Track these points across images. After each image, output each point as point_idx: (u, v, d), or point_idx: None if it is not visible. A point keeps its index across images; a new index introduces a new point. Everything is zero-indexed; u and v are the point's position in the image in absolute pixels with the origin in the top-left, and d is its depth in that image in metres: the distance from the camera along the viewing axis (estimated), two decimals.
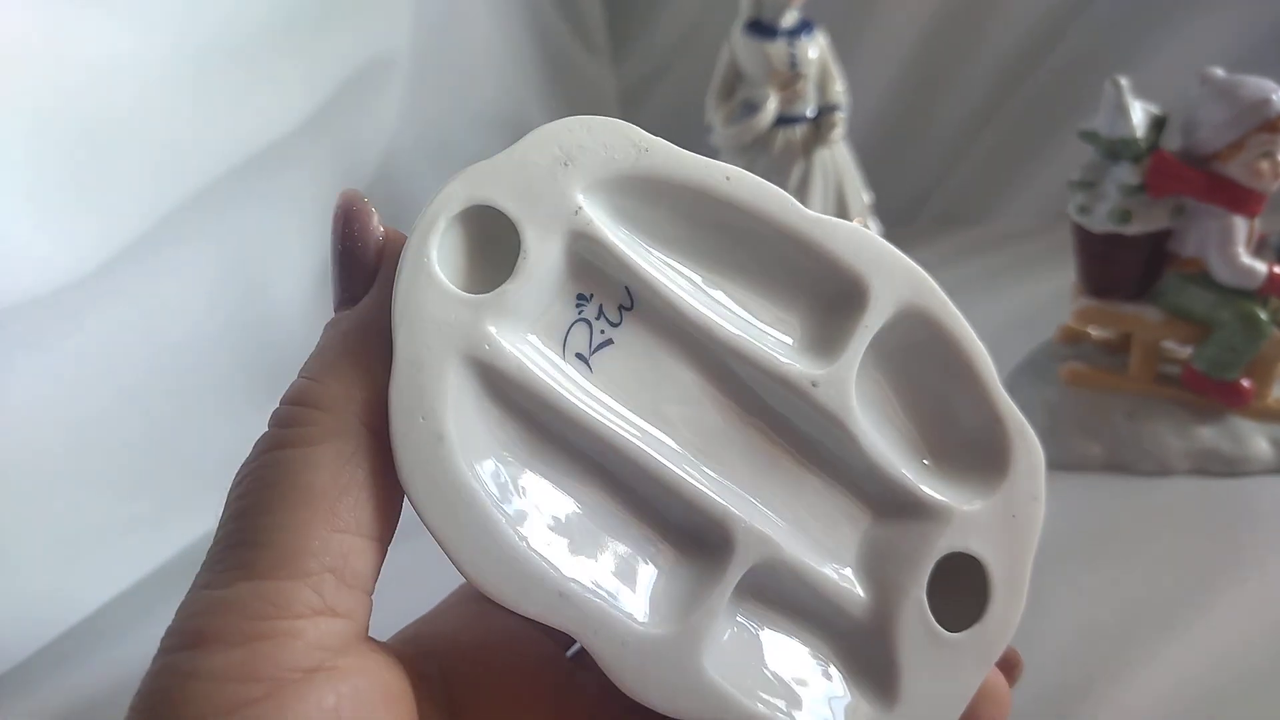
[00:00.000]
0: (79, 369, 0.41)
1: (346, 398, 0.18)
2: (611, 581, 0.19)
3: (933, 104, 0.80)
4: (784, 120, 0.53)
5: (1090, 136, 0.43)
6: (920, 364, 0.21)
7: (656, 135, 0.21)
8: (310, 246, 0.53)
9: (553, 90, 0.78)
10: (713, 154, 0.56)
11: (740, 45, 0.53)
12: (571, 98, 0.81)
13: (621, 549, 0.20)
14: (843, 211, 0.54)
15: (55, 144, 0.39)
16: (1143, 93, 0.42)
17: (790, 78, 0.52)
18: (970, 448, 0.21)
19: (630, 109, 0.89)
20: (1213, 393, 0.43)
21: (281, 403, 0.19)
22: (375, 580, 0.18)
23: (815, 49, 0.52)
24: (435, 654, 0.21)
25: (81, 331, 0.41)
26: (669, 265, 0.20)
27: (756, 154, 0.53)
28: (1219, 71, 0.41)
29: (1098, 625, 0.34)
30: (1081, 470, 0.43)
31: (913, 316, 0.21)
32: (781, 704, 0.19)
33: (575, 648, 0.24)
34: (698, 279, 0.20)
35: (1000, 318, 0.61)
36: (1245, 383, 0.42)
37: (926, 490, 0.20)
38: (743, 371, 0.20)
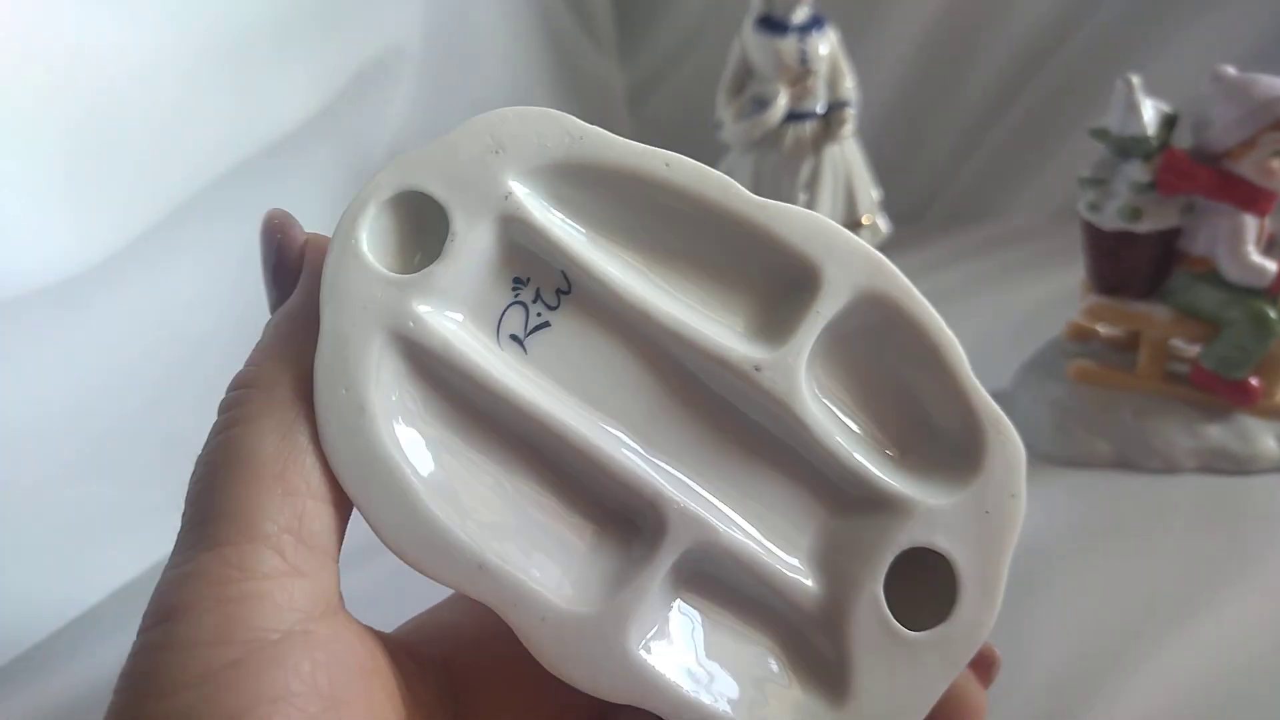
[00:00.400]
0: (88, 359, 0.41)
1: (279, 374, 0.19)
2: (533, 557, 0.19)
3: (941, 101, 0.80)
4: (794, 116, 0.53)
5: (1101, 134, 0.43)
6: (882, 352, 0.20)
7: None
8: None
9: (560, 86, 0.78)
10: (723, 150, 0.56)
11: (751, 41, 0.53)
12: (578, 94, 0.81)
13: (546, 526, 0.20)
14: (852, 208, 0.54)
15: (65, 135, 0.39)
16: (1153, 90, 0.42)
17: (801, 74, 0.52)
18: (939, 440, 0.20)
19: (637, 105, 0.89)
20: (1221, 391, 0.43)
21: (226, 392, 0.20)
22: (338, 545, 0.19)
23: (826, 45, 0.52)
24: (437, 641, 0.22)
25: (91, 322, 0.41)
26: (609, 252, 0.20)
27: (766, 150, 0.53)
28: (1231, 70, 0.41)
29: (1105, 622, 0.34)
30: (1089, 467, 0.43)
31: (871, 302, 0.20)
32: (715, 691, 0.19)
33: None
34: (640, 265, 0.20)
35: (1008, 315, 0.61)
36: (1254, 381, 0.42)
37: (887, 481, 0.20)
38: (684, 356, 0.20)
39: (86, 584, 0.43)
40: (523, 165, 0.20)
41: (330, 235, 0.20)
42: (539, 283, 0.20)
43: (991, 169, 0.81)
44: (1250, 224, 0.41)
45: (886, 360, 0.21)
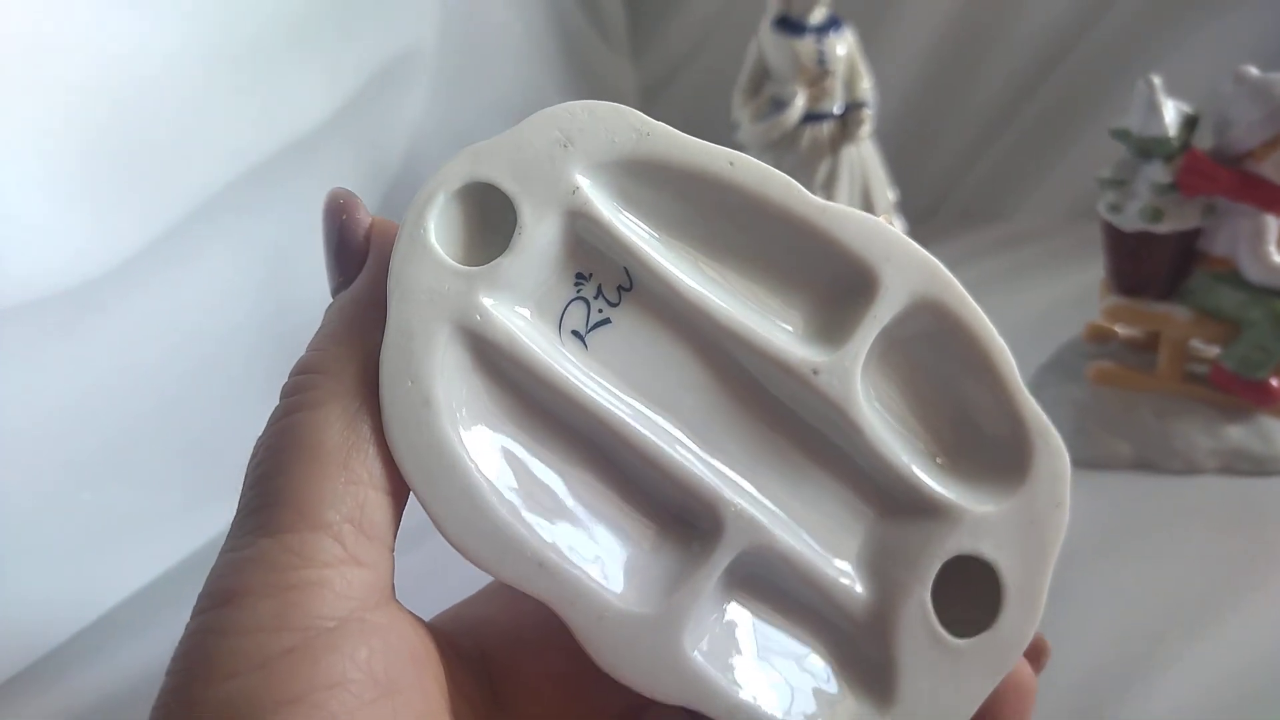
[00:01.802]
0: (108, 361, 0.41)
1: (346, 361, 0.19)
2: (592, 555, 0.19)
3: (956, 100, 0.80)
4: (811, 117, 0.53)
5: (1122, 135, 0.43)
6: (936, 358, 0.21)
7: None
8: None
9: (574, 86, 0.78)
10: (739, 150, 0.56)
11: (768, 42, 0.53)
12: (591, 93, 0.81)
13: (606, 525, 0.20)
14: (868, 209, 0.54)
15: (84, 137, 0.39)
16: (1170, 90, 0.42)
17: (818, 74, 0.52)
18: (988, 448, 0.20)
19: (649, 105, 0.89)
20: (1241, 392, 0.43)
21: (289, 376, 0.20)
22: (394, 536, 0.19)
23: (844, 46, 0.52)
24: (472, 634, 0.22)
25: (110, 324, 0.41)
26: (672, 249, 0.20)
27: (783, 151, 0.53)
28: (1253, 70, 0.41)
29: (1129, 624, 0.34)
30: (1110, 469, 0.43)
31: (927, 308, 0.20)
32: (765, 694, 0.19)
33: None
34: (701, 264, 0.20)
35: (1024, 315, 0.61)
36: (1274, 382, 0.42)
37: (936, 488, 0.20)
38: (743, 357, 0.20)
39: (105, 587, 0.43)
40: (590, 160, 0.20)
41: (391, 220, 0.20)
42: (601, 279, 0.20)
43: (1005, 168, 0.80)
44: (1272, 225, 0.41)
45: (939, 366, 0.21)
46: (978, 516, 0.20)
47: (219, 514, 0.47)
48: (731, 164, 0.20)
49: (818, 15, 0.52)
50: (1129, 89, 0.43)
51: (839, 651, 0.20)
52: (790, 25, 0.52)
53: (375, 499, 0.18)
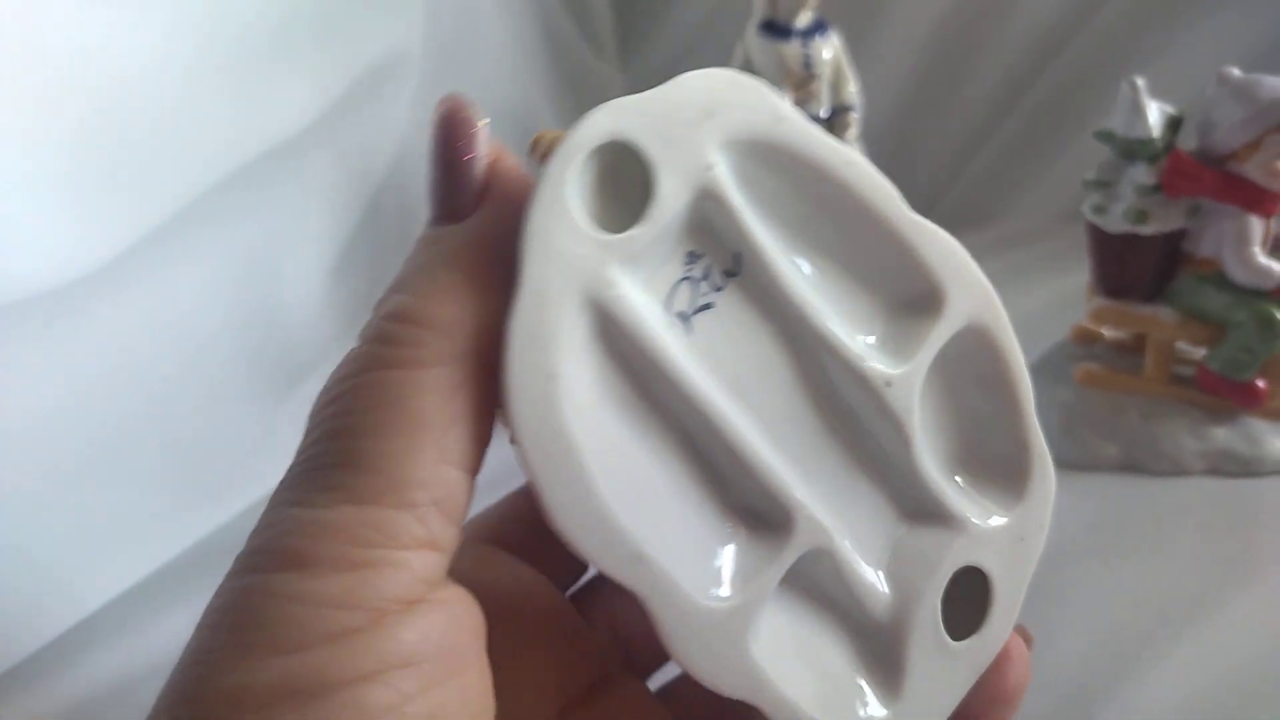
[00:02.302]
0: (94, 362, 0.41)
1: (459, 321, 0.17)
2: (680, 549, 0.19)
3: (944, 104, 0.80)
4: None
5: (1106, 136, 0.43)
6: (970, 379, 0.21)
7: None
8: (323, 242, 0.53)
9: (561, 92, 0.78)
10: None
11: (754, 46, 0.53)
12: (579, 99, 0.81)
13: (693, 517, 0.19)
14: None
15: (67, 139, 0.39)
16: (1157, 92, 0.42)
17: (805, 78, 0.52)
18: (996, 467, 0.21)
19: None
20: (1227, 393, 0.43)
21: (380, 317, 0.18)
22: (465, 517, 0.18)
23: (830, 50, 0.52)
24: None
25: (96, 325, 0.41)
26: (780, 241, 0.20)
27: None
28: (1235, 71, 0.41)
29: (1115, 625, 0.34)
30: (1097, 470, 0.43)
31: (976, 332, 0.21)
32: (804, 689, 0.20)
33: (575, 589, 0.24)
34: (797, 258, 0.20)
35: (1014, 318, 0.61)
36: (1260, 383, 0.42)
37: (958, 500, 0.21)
38: (827, 359, 0.20)
39: (90, 588, 0.43)
40: (726, 135, 0.19)
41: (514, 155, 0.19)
42: (711, 260, 0.20)
43: (995, 171, 0.81)
44: (1256, 225, 0.41)
45: (971, 386, 0.21)
46: (982, 530, 0.21)
47: (207, 516, 0.47)
48: (848, 164, 0.20)
49: (804, 19, 0.52)
50: (1117, 91, 0.43)
51: (860, 648, 0.21)
52: (776, 29, 0.52)
53: (461, 481, 0.17)
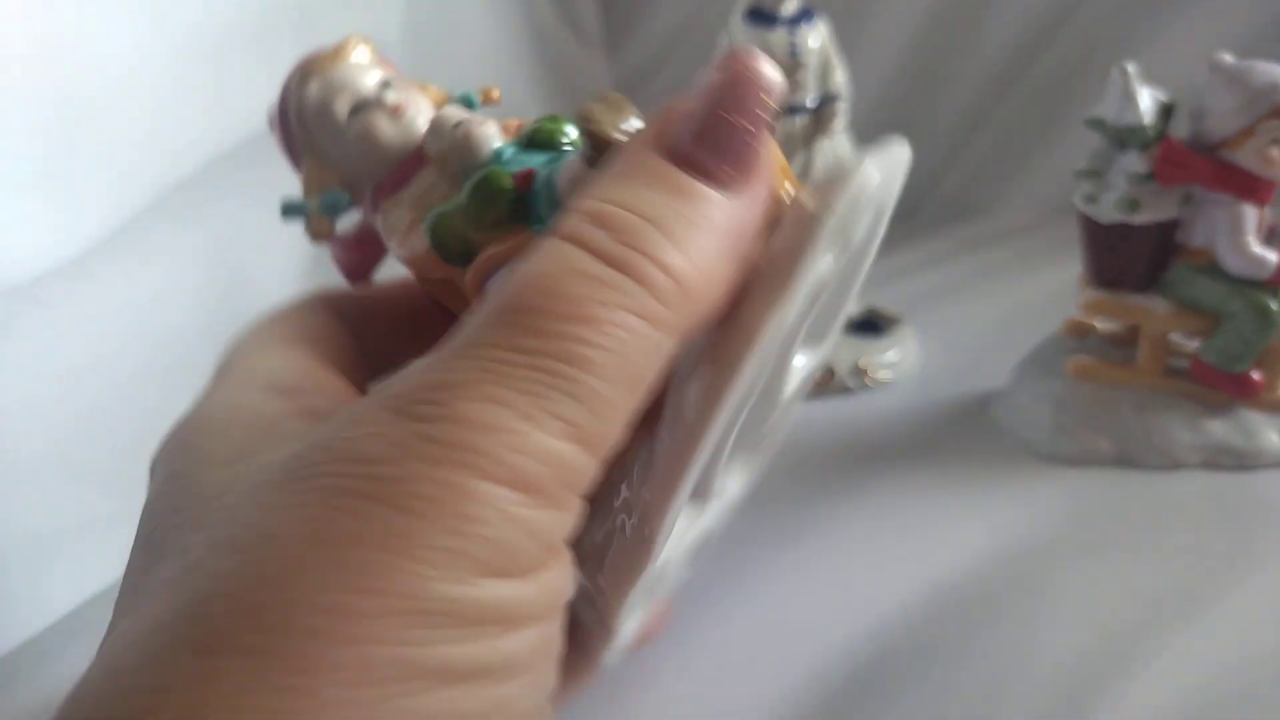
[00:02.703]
0: (58, 359, 0.40)
1: (712, 315, 0.18)
2: None
3: (933, 96, 0.80)
4: (784, 110, 0.52)
5: (1097, 124, 0.42)
6: None
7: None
8: (296, 239, 0.52)
9: (547, 82, 0.77)
10: None
11: (739, 34, 0.52)
12: (565, 91, 0.80)
13: None
14: None
15: (36, 131, 0.38)
16: (1149, 79, 0.42)
17: (791, 67, 0.51)
18: None
19: None
20: (1222, 385, 0.42)
21: (653, 266, 0.17)
22: None
23: (816, 38, 0.51)
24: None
25: (60, 321, 0.40)
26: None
27: None
28: (1228, 57, 0.40)
29: (1108, 623, 0.33)
30: (1090, 465, 0.42)
31: None
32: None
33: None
34: None
35: (1006, 311, 0.61)
36: (1255, 375, 0.41)
37: None
38: None
39: (53, 593, 0.42)
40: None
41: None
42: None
43: (986, 164, 0.80)
44: (1250, 214, 0.40)
45: None
46: None
47: None
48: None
49: (789, 6, 0.51)
50: (1108, 80, 0.43)
51: None
52: (761, 16, 0.51)
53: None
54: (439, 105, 0.28)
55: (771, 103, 0.19)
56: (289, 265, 0.52)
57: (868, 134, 0.54)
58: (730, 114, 0.18)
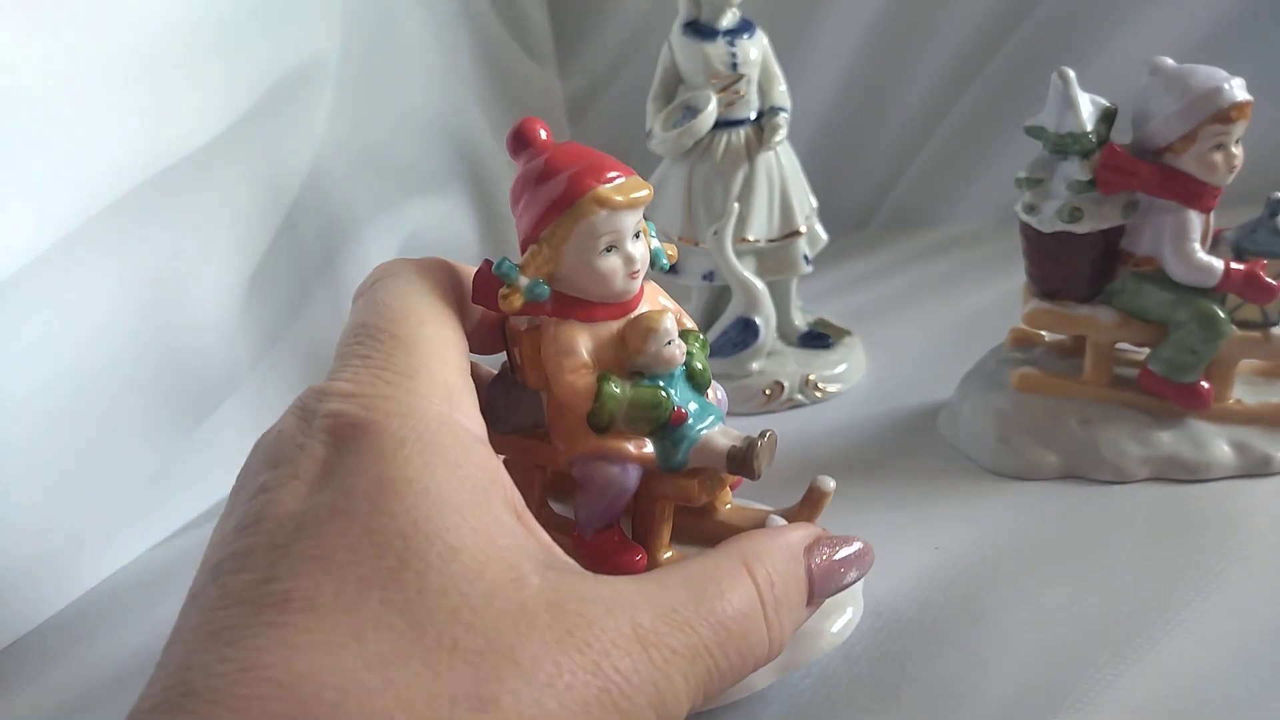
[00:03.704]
0: None
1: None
2: None
3: (880, 110, 0.79)
4: (726, 124, 0.51)
5: (1036, 131, 0.41)
6: None
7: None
8: (234, 259, 0.51)
9: (498, 99, 0.76)
10: (653, 160, 0.54)
11: (679, 46, 0.51)
12: (517, 106, 0.79)
13: None
14: (788, 216, 0.52)
15: None
16: (1094, 88, 0.41)
17: (731, 79, 0.50)
18: None
19: (577, 116, 0.87)
20: (1171, 395, 0.41)
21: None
22: None
23: (756, 50, 0.51)
24: None
25: None
26: None
27: (699, 159, 0.51)
28: (1168, 61, 0.39)
29: (1056, 645, 0.32)
30: (1034, 479, 0.41)
31: None
32: None
33: None
34: None
35: (953, 322, 0.60)
36: (1204, 385, 0.40)
37: None
38: None
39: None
40: None
41: None
42: None
43: (932, 177, 0.79)
44: (1195, 220, 0.39)
45: None
46: None
47: (106, 556, 0.44)
48: None
49: (729, 19, 0.50)
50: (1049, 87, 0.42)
51: None
52: (700, 30, 0.50)
53: None
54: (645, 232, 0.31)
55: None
56: (229, 288, 0.50)
57: (815, 151, 0.53)
58: (847, 576, 0.29)
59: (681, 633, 0.23)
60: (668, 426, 0.30)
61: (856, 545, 0.29)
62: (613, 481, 0.30)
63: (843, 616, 0.32)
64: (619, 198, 0.29)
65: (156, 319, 0.46)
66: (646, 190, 0.29)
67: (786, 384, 0.51)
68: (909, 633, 0.33)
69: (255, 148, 0.52)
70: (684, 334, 0.31)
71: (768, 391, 0.51)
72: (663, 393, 0.30)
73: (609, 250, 0.29)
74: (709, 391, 0.32)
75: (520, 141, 0.31)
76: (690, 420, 0.30)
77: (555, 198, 0.29)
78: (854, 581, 0.29)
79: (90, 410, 0.43)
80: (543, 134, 0.31)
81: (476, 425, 0.26)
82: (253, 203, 0.52)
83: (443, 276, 0.31)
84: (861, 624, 0.34)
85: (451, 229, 0.70)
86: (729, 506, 0.34)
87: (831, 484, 0.31)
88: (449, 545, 0.21)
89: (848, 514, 0.41)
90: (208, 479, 0.49)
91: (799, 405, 0.51)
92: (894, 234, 0.80)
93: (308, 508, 0.22)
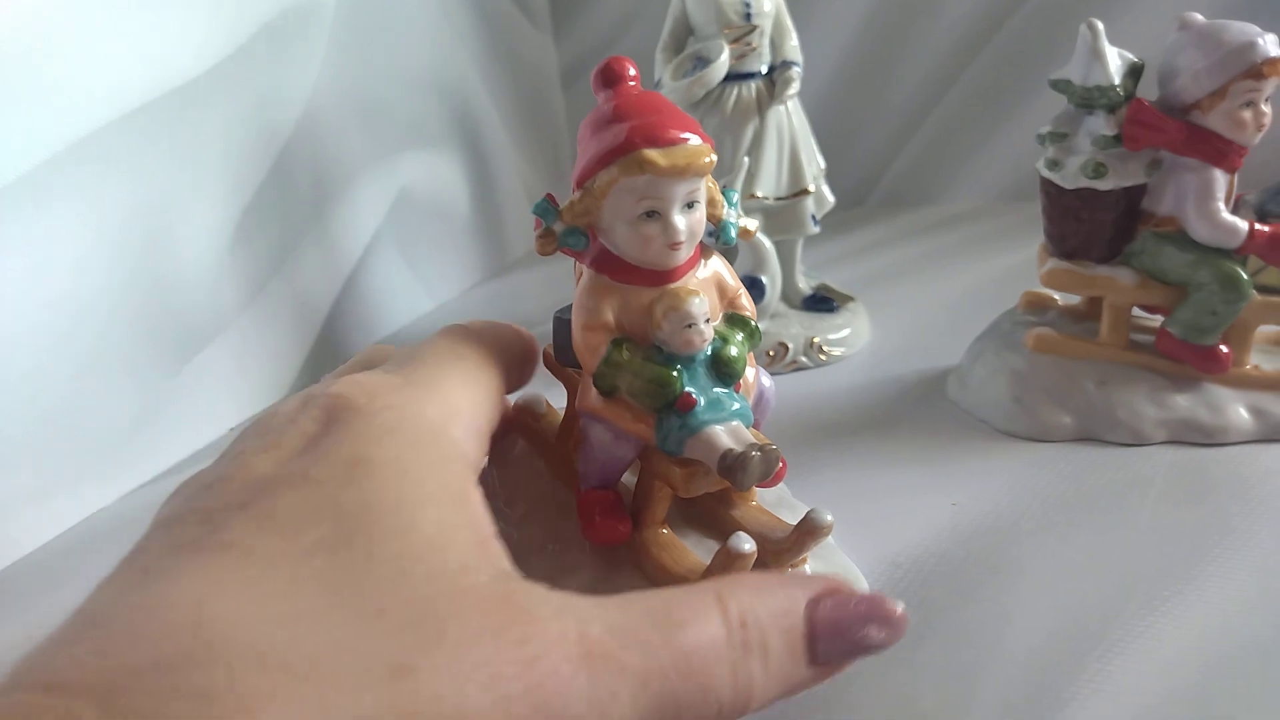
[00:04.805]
0: None
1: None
2: None
3: (876, 87, 0.79)
4: (737, 76, 0.49)
5: (1062, 85, 0.40)
6: None
7: None
8: (223, 197, 0.49)
9: (494, 60, 0.75)
10: None
11: None
12: (513, 69, 0.78)
13: None
14: (796, 174, 0.51)
15: None
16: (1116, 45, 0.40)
17: (744, 30, 0.49)
18: None
19: (571, 83, 0.86)
20: (1189, 358, 0.40)
21: None
22: None
23: (770, 1, 0.49)
24: None
25: None
26: None
27: (708, 111, 0.50)
28: (1198, 16, 0.39)
29: (1080, 600, 0.31)
30: (1050, 441, 0.41)
31: None
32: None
33: None
34: None
35: (953, 293, 0.59)
36: (1223, 348, 0.40)
37: None
38: None
39: None
40: None
41: None
42: None
43: (930, 153, 0.79)
44: (1220, 180, 0.39)
45: None
46: None
47: (81, 497, 0.42)
48: None
49: None
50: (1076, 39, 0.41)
51: None
52: None
53: None
54: (711, 200, 0.29)
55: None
56: (217, 227, 0.48)
57: (819, 126, 0.52)
58: (868, 636, 0.23)
59: (635, 651, 0.21)
60: (673, 409, 0.28)
61: (884, 603, 0.24)
62: (604, 445, 0.30)
63: None
64: (664, 162, 0.26)
65: (143, 254, 0.44)
66: (705, 160, 0.27)
67: (791, 345, 0.50)
68: (930, 584, 0.32)
69: (249, 85, 0.51)
70: (734, 319, 0.30)
71: (771, 353, 0.50)
72: (673, 373, 0.28)
73: (649, 215, 0.27)
74: (746, 383, 0.30)
75: (604, 78, 0.29)
76: (698, 409, 0.28)
77: (606, 148, 0.27)
78: (879, 646, 0.24)
79: (71, 347, 0.41)
80: (630, 73, 0.29)
81: (470, 447, 0.25)
82: (245, 141, 0.51)
83: (500, 339, 0.30)
84: (881, 575, 0.33)
85: (442, 185, 0.69)
86: (754, 505, 0.32)
87: (829, 518, 0.28)
88: (406, 524, 0.21)
89: (859, 470, 0.40)
90: (189, 425, 0.47)
91: (803, 368, 0.50)
92: (892, 210, 0.79)
93: (280, 473, 0.21)
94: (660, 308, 0.28)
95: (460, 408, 0.26)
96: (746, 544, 0.27)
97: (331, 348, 0.57)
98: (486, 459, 0.28)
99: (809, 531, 0.28)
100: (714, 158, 0.27)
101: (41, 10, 0.39)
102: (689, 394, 0.28)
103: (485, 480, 0.34)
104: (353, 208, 0.59)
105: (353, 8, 0.59)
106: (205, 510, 0.21)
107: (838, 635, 0.23)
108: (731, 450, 0.27)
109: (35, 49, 0.39)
